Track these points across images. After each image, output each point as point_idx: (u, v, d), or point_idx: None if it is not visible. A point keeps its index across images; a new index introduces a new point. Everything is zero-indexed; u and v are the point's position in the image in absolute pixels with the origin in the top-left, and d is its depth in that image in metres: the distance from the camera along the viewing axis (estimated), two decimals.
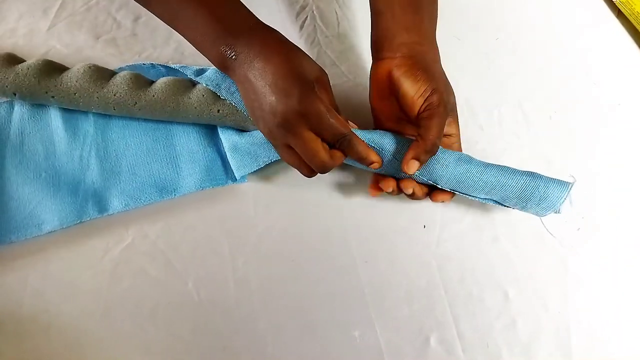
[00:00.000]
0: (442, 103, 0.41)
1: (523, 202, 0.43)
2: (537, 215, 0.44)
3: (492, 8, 0.60)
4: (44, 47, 0.53)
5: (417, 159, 0.41)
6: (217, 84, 0.45)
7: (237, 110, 0.45)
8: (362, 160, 0.43)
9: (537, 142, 0.52)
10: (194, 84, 0.47)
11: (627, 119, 0.54)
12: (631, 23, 0.59)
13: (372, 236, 0.48)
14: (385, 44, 0.45)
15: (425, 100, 0.42)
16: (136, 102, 0.45)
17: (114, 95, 0.45)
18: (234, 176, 0.48)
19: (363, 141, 0.42)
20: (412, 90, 0.42)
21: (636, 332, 0.47)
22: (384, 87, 0.45)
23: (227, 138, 0.47)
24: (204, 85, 0.45)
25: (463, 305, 0.46)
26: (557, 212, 0.43)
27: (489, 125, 0.53)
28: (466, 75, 0.56)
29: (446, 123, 0.43)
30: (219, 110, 0.45)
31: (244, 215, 0.48)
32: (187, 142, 0.49)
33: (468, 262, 0.48)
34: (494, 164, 0.43)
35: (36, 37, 0.53)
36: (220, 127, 0.48)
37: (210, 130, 0.50)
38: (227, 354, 0.44)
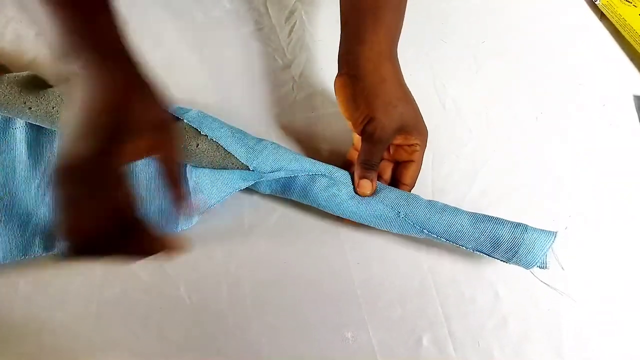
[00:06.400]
0: (378, 131, 0.43)
1: (512, 253, 0.42)
2: (525, 267, 0.42)
3: (478, 11, 0.61)
4: (32, 53, 0.52)
5: (362, 178, 0.43)
6: (200, 122, 0.45)
7: (218, 147, 0.44)
8: None
9: (526, 143, 0.53)
10: (176, 119, 0.46)
11: (612, 118, 0.55)
12: (614, 26, 0.60)
13: (364, 238, 0.48)
14: (341, 58, 0.45)
15: (363, 127, 0.44)
16: None
17: None
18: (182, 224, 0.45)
19: None
20: (353, 117, 0.44)
21: (627, 330, 0.47)
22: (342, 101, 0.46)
23: (198, 173, 0.45)
24: (186, 122, 0.45)
25: (454, 305, 0.47)
26: (544, 267, 0.42)
27: (477, 127, 0.54)
28: (454, 78, 0.57)
29: (410, 135, 0.44)
30: (197, 145, 0.44)
31: (236, 219, 0.48)
32: (145, 181, 0.47)
33: (459, 262, 0.48)
34: (481, 215, 0.43)
35: (24, 42, 0.53)
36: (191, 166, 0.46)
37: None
38: (220, 357, 0.44)
